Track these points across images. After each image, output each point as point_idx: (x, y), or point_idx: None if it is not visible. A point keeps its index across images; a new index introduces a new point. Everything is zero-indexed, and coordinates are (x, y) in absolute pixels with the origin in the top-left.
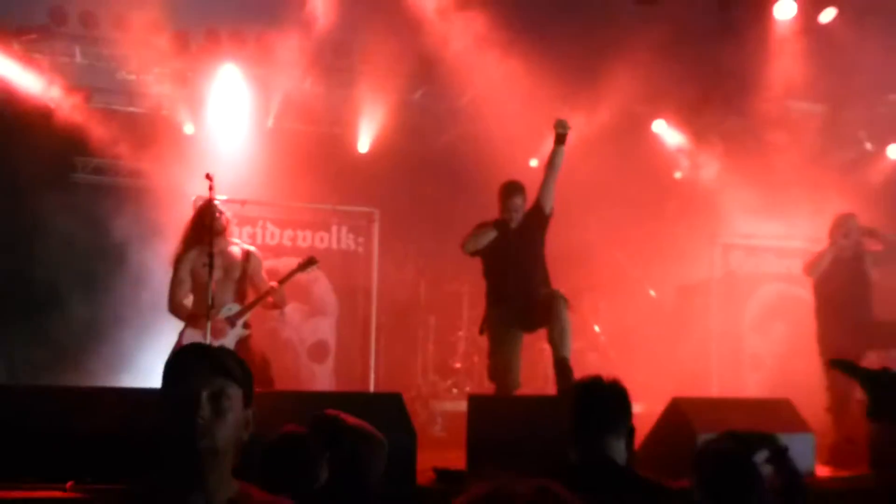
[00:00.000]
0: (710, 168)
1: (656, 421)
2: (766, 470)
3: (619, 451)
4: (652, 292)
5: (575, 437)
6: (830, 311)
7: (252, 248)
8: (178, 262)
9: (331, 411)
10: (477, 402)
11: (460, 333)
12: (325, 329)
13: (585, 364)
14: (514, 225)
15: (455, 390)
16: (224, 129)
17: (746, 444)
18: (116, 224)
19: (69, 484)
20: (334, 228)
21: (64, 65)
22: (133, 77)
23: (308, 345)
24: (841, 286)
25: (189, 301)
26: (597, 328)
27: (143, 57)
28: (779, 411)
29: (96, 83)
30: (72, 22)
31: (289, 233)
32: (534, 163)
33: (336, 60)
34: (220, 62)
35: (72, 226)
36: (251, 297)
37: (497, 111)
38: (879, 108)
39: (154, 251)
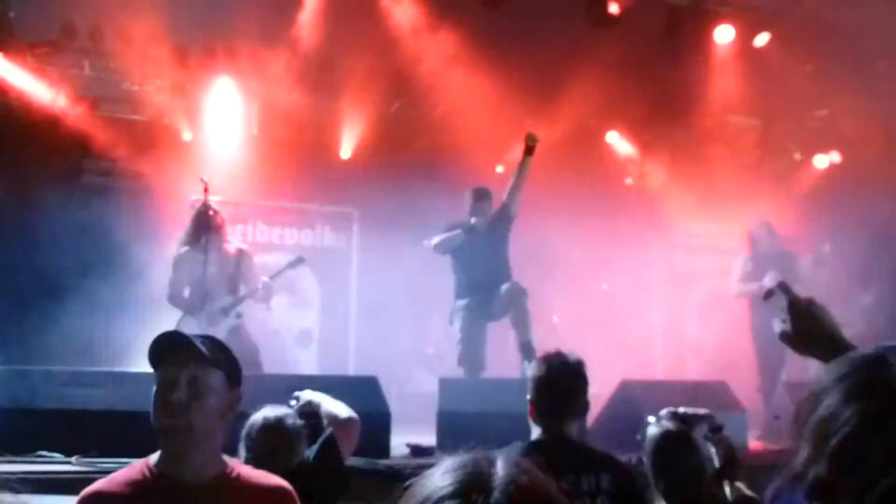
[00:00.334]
0: (657, 176)
1: (607, 401)
2: (705, 445)
3: (574, 427)
4: (605, 286)
5: (535, 414)
6: (757, 304)
7: (244, 246)
8: (177, 257)
9: (311, 393)
10: (446, 384)
11: (432, 322)
12: (309, 318)
13: (544, 350)
14: (480, 226)
15: (427, 373)
16: (219, 136)
17: (687, 422)
18: (120, 221)
19: (75, 458)
20: (318, 227)
21: (73, 76)
22: (136, 88)
23: (294, 332)
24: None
25: (187, 293)
26: (555, 318)
27: (146, 69)
28: (716, 392)
29: (102, 93)
30: (81, 37)
31: (277, 231)
32: (500, 169)
33: (321, 75)
34: (215, 75)
35: (80, 222)
36: (243, 290)
37: (466, 122)
38: (807, 122)
39: (154, 247)
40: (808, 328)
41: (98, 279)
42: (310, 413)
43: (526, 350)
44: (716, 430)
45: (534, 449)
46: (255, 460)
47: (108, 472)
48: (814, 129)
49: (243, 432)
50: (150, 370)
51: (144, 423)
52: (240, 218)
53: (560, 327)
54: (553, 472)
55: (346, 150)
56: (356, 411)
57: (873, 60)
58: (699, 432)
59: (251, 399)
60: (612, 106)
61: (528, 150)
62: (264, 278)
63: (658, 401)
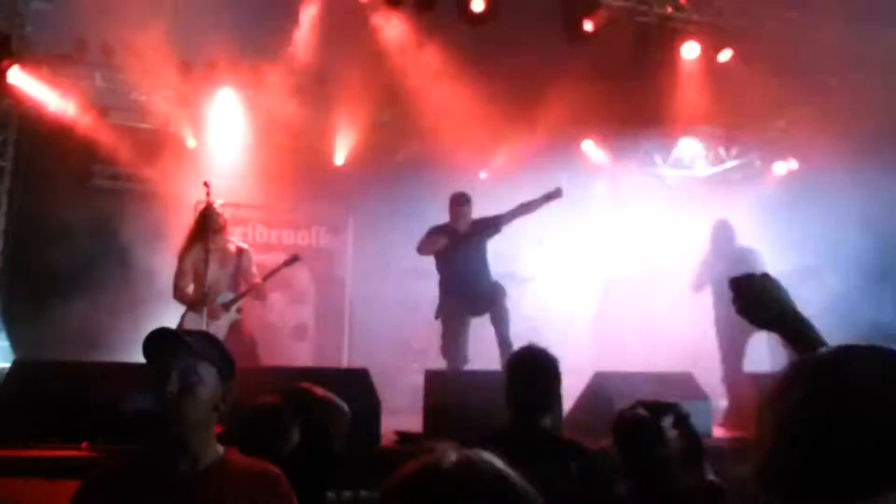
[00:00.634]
0: (628, 181)
1: (582, 391)
2: (672, 432)
3: (546, 417)
4: (581, 284)
5: (508, 404)
6: (721, 299)
7: (245, 245)
8: (182, 255)
9: (302, 384)
10: (432, 376)
11: (420, 318)
12: (305, 313)
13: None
14: (461, 229)
15: (416, 365)
16: (221, 143)
17: (655, 411)
18: (127, 222)
19: (84, 444)
20: (314, 228)
21: (85, 86)
22: (144, 98)
23: (290, 327)
24: (726, 278)
25: (190, 289)
26: (535, 314)
27: (153, 81)
28: (682, 383)
29: (112, 102)
30: (93, 51)
31: (275, 232)
32: (483, 175)
33: (316, 87)
34: (218, 87)
35: (91, 223)
36: (243, 287)
37: (452, 130)
38: (767, 132)
39: (159, 247)
40: (758, 300)
41: (106, 276)
42: (301, 403)
43: (505, 345)
44: (682, 418)
45: (502, 438)
46: (248, 448)
47: (114, 457)
48: (772, 137)
49: (238, 421)
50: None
51: (147, 412)
52: (240, 219)
53: (539, 323)
54: (520, 460)
55: (339, 157)
56: (348, 402)
57: (826, 76)
58: (666, 421)
59: (249, 389)
60: (587, 116)
61: (549, 198)
62: (257, 280)
63: (629, 391)
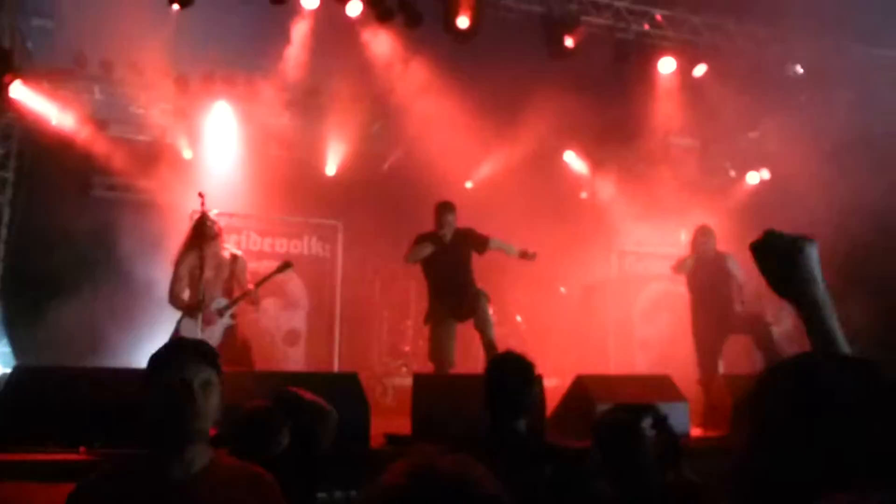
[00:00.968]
0: (608, 190)
1: (564, 393)
2: (650, 433)
3: (522, 421)
4: (562, 289)
5: (487, 408)
6: (699, 304)
7: (239, 253)
8: (178, 262)
9: (291, 388)
10: (420, 379)
11: (408, 323)
12: (297, 319)
13: (507, 347)
14: (446, 237)
15: (404, 369)
16: (216, 155)
17: (635, 413)
18: (125, 231)
19: (82, 448)
20: (306, 237)
21: (84, 100)
22: (142, 111)
23: (283, 332)
24: (704, 282)
25: (186, 295)
26: (518, 318)
27: (150, 95)
28: (660, 385)
29: (111, 115)
30: (92, 66)
31: (268, 240)
32: (469, 185)
33: (308, 100)
34: (213, 100)
35: (90, 232)
36: (237, 293)
37: (438, 142)
38: (741, 143)
39: (156, 255)
40: (781, 263)
41: (105, 283)
42: (290, 406)
43: (490, 349)
44: (660, 419)
45: (479, 441)
46: (238, 451)
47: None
48: (746, 149)
49: (230, 425)
50: (151, 367)
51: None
52: (234, 228)
53: (522, 327)
54: (497, 463)
55: (330, 167)
56: (339, 405)
57: (796, 91)
58: (645, 422)
59: (242, 393)
60: (568, 128)
61: (525, 256)
62: (250, 286)
63: (609, 393)
